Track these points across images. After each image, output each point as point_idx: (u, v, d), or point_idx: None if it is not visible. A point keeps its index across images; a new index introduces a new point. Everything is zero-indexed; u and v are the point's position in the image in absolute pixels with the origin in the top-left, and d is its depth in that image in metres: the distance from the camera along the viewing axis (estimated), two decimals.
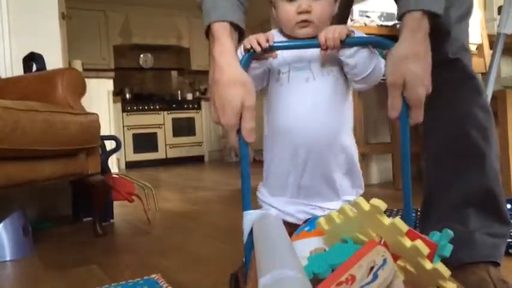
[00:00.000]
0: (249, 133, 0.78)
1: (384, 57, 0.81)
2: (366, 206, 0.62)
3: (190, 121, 6.06)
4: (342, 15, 1.08)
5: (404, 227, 0.59)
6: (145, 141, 5.70)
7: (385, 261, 0.57)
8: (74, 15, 4.86)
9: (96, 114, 1.79)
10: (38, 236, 1.73)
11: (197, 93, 6.50)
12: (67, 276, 1.29)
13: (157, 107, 5.84)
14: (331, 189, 0.87)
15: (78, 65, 3.44)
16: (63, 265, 1.40)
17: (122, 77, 5.90)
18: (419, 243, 0.58)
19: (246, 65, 0.81)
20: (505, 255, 0.97)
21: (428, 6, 0.78)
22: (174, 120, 5.93)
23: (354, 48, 0.79)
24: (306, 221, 0.82)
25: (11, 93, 1.83)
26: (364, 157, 2.81)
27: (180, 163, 5.78)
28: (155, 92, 6.40)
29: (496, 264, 0.92)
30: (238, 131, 0.79)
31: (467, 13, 0.99)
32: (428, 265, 0.60)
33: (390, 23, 2.49)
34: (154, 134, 5.81)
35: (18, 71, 2.14)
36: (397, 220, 0.59)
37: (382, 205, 0.60)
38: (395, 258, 0.62)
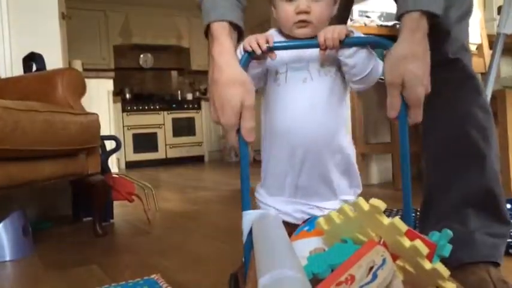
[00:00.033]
0: (249, 133, 0.78)
1: (383, 57, 0.81)
2: (365, 206, 0.62)
3: (190, 121, 6.06)
4: (341, 16, 1.08)
5: (404, 227, 0.59)
6: (145, 141, 5.70)
7: (384, 261, 0.57)
8: (74, 15, 4.87)
9: (96, 114, 1.79)
10: (38, 236, 1.73)
11: (197, 93, 6.50)
12: (67, 276, 1.29)
13: (157, 107, 5.84)
14: (329, 189, 0.87)
15: (78, 65, 3.45)
16: (63, 265, 1.40)
17: (122, 77, 5.90)
18: (418, 243, 0.58)
19: (245, 64, 0.81)
20: (505, 255, 0.97)
21: (427, 7, 0.78)
22: (174, 120, 5.93)
23: (353, 49, 0.79)
24: (305, 221, 0.82)
25: (11, 93, 1.83)
26: (364, 157, 2.81)
27: (180, 163, 5.79)
28: (155, 92, 6.41)
29: (496, 264, 0.92)
30: (238, 131, 0.79)
31: (467, 13, 0.99)
32: (427, 265, 0.60)
33: (390, 23, 2.49)
34: (154, 134, 5.81)
35: (18, 71, 2.14)
36: (397, 220, 0.59)
37: (382, 205, 0.60)
38: (395, 258, 0.62)
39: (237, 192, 2.78)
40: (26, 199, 2.08)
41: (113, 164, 3.55)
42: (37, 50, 2.12)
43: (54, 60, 2.20)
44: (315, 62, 0.84)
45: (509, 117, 1.96)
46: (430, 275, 0.61)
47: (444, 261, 0.62)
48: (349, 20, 1.48)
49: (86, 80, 1.94)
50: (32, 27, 2.25)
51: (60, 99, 1.78)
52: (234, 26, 0.85)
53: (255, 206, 0.89)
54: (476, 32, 2.44)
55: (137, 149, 5.65)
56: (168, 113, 5.90)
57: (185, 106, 6.07)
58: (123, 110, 5.60)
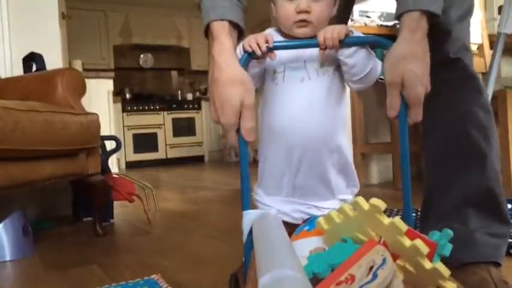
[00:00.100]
0: (249, 132, 0.78)
1: (383, 58, 0.81)
2: (365, 205, 0.62)
3: (191, 121, 6.07)
4: (341, 17, 1.07)
5: (404, 227, 0.59)
6: (145, 141, 5.71)
7: (384, 260, 0.57)
8: (74, 15, 4.87)
9: (96, 114, 1.79)
10: (38, 236, 1.73)
11: (197, 93, 6.51)
12: (67, 276, 1.29)
13: (157, 107, 5.84)
14: (327, 188, 0.87)
15: (78, 65, 3.45)
16: (63, 265, 1.40)
17: (122, 77, 5.91)
18: (418, 242, 0.58)
19: (245, 64, 0.81)
20: (506, 255, 0.96)
21: (427, 6, 0.78)
22: (174, 120, 5.94)
23: (353, 48, 0.79)
24: (305, 221, 0.82)
25: (11, 93, 1.83)
26: (364, 157, 2.81)
27: (180, 163, 5.79)
28: (155, 92, 6.41)
29: (497, 264, 0.92)
30: (238, 130, 0.79)
31: (468, 12, 0.99)
32: (427, 264, 0.60)
33: (390, 23, 2.49)
34: (155, 134, 5.82)
35: (18, 71, 2.14)
36: (397, 219, 0.59)
37: (382, 205, 0.60)
38: (395, 257, 0.62)
39: (237, 192, 2.78)
40: (26, 199, 2.08)
41: (113, 164, 3.56)
42: (37, 50, 2.12)
43: (54, 60, 2.20)
44: (313, 61, 0.84)
45: (509, 117, 1.96)
46: (431, 275, 0.60)
47: (445, 261, 0.62)
48: (349, 20, 1.48)
49: (86, 80, 1.94)
50: (32, 27, 2.25)
51: (60, 99, 1.78)
52: (234, 25, 0.84)
53: (255, 206, 0.89)
54: (476, 32, 2.44)
55: (137, 149, 5.66)
56: (168, 113, 5.90)
57: (185, 106, 6.07)
58: (123, 110, 5.60)
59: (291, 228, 0.79)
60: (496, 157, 0.96)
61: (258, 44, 0.79)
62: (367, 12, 2.61)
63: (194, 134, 6.08)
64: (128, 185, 2.05)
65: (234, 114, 0.77)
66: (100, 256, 1.47)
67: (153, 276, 1.18)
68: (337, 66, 0.85)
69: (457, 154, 0.97)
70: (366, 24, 2.47)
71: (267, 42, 0.79)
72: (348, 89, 0.89)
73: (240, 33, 0.87)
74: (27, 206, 1.81)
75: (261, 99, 0.91)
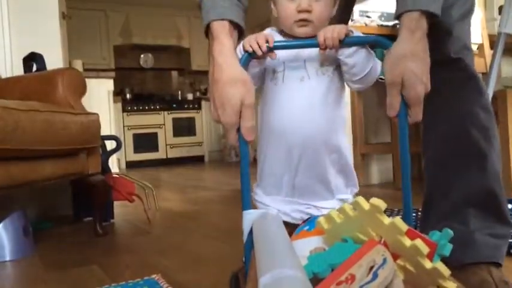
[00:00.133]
0: (249, 132, 0.78)
1: (383, 58, 0.81)
2: (365, 205, 0.62)
3: (191, 121, 6.07)
4: (341, 18, 1.07)
5: (404, 226, 0.59)
6: (145, 141, 5.71)
7: (385, 260, 0.57)
8: (74, 15, 4.87)
9: (97, 114, 1.79)
10: (38, 236, 1.73)
11: (197, 93, 6.51)
12: (67, 276, 1.29)
13: (157, 107, 5.84)
14: (326, 188, 0.87)
15: (78, 65, 3.45)
16: (63, 265, 1.40)
17: (122, 77, 5.91)
18: (418, 242, 0.58)
19: (245, 64, 0.81)
20: (506, 255, 0.96)
21: (426, 6, 0.78)
22: (174, 120, 5.94)
23: (353, 48, 0.79)
24: (305, 221, 0.82)
25: (11, 93, 1.83)
26: (364, 157, 2.81)
27: (181, 163, 5.79)
28: (155, 92, 6.41)
29: (498, 265, 0.92)
30: (238, 130, 0.79)
31: (469, 11, 0.98)
32: (428, 264, 0.59)
33: (390, 23, 2.49)
34: (155, 134, 5.82)
35: (19, 71, 2.14)
36: (397, 219, 0.59)
37: (382, 204, 0.60)
38: (395, 257, 0.61)
39: (237, 192, 2.77)
40: (26, 199, 2.08)
41: (113, 164, 3.56)
42: (37, 50, 2.12)
43: (54, 60, 2.20)
44: (312, 60, 0.84)
45: (510, 117, 1.96)
46: (431, 275, 0.60)
47: (445, 261, 0.62)
48: (349, 21, 1.48)
49: (86, 80, 1.94)
50: (32, 27, 2.25)
51: (60, 99, 1.78)
52: (234, 25, 0.84)
53: (255, 206, 0.89)
54: (477, 32, 2.44)
55: (137, 149, 5.66)
56: (168, 113, 5.90)
57: (185, 106, 6.07)
58: (124, 110, 5.60)
59: (291, 228, 0.79)
60: (496, 157, 0.96)
61: (258, 44, 0.79)
62: (367, 12, 2.61)
63: (194, 134, 6.08)
64: (128, 184, 2.05)
65: (234, 113, 0.77)
66: (100, 256, 1.47)
67: (153, 276, 1.18)
68: (337, 66, 0.85)
69: (457, 154, 0.97)
70: (366, 24, 2.47)
71: (267, 42, 0.79)
72: (347, 89, 0.89)
73: (240, 33, 0.87)
74: (27, 206, 1.81)
75: (260, 99, 0.91)
